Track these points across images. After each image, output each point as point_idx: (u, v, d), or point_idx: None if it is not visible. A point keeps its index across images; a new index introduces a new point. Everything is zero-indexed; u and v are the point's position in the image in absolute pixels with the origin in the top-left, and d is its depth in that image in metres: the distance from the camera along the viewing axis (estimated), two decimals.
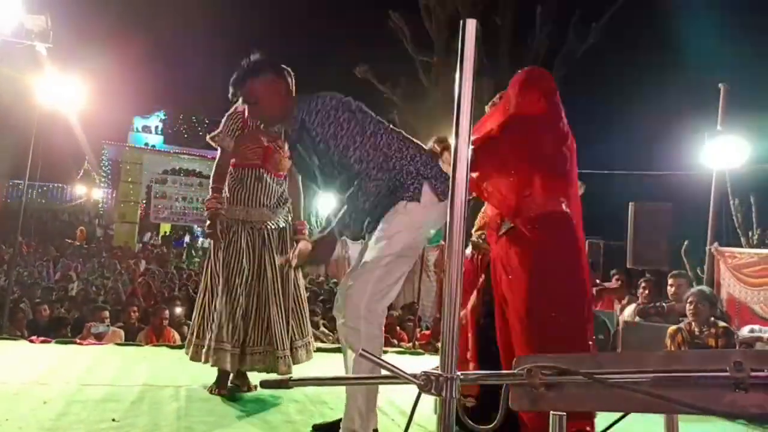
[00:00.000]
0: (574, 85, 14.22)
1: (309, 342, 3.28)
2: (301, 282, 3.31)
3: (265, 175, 3.20)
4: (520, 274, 2.47)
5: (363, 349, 1.18)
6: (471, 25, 1.15)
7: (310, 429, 2.62)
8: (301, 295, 3.27)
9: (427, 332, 7.78)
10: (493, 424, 1.07)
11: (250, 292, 3.11)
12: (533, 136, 2.54)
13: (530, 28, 14.54)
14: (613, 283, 6.98)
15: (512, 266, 2.51)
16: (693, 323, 4.11)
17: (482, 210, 3.17)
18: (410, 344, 6.50)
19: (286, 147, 2.95)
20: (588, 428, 2.39)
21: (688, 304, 4.15)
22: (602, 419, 2.73)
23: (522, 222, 2.50)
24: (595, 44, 14.13)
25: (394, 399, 3.09)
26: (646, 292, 5.85)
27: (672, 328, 4.26)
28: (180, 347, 4.67)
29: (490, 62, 13.45)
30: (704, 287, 4.92)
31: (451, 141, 1.21)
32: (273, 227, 3.22)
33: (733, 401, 0.88)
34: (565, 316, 2.39)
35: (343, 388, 3.16)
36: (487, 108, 3.06)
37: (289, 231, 3.28)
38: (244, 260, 3.11)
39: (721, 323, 4.12)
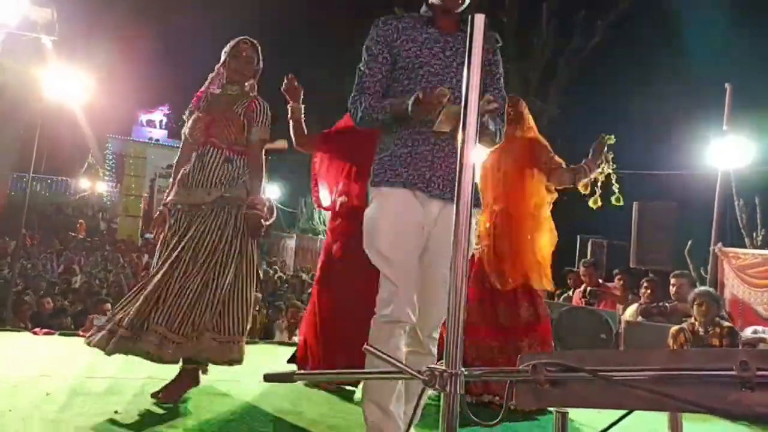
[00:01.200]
0: (579, 84, 14.20)
1: (232, 341, 2.87)
2: (249, 275, 2.95)
3: (209, 152, 2.95)
4: None
5: (368, 343, 1.19)
6: (479, 20, 1.14)
7: (316, 418, 2.63)
8: (241, 288, 2.90)
9: None
10: (496, 420, 1.07)
11: (168, 274, 2.83)
12: None
13: (536, 26, 14.51)
14: (616, 284, 6.97)
15: None
16: (697, 323, 4.11)
17: None
18: None
19: (261, 118, 2.95)
20: None
21: (696, 306, 4.13)
22: (606, 417, 2.73)
23: None
24: (601, 43, 14.10)
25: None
26: (648, 291, 5.83)
27: (674, 328, 4.24)
28: None
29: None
30: (709, 288, 4.91)
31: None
32: (211, 208, 2.91)
33: (739, 400, 0.88)
34: None
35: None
36: (525, 108, 3.41)
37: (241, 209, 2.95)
38: (173, 243, 2.89)
39: (726, 323, 4.11)
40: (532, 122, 3.44)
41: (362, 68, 2.14)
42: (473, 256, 3.21)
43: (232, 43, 3.03)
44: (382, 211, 2.06)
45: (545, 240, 3.29)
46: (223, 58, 3.03)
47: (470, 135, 1.15)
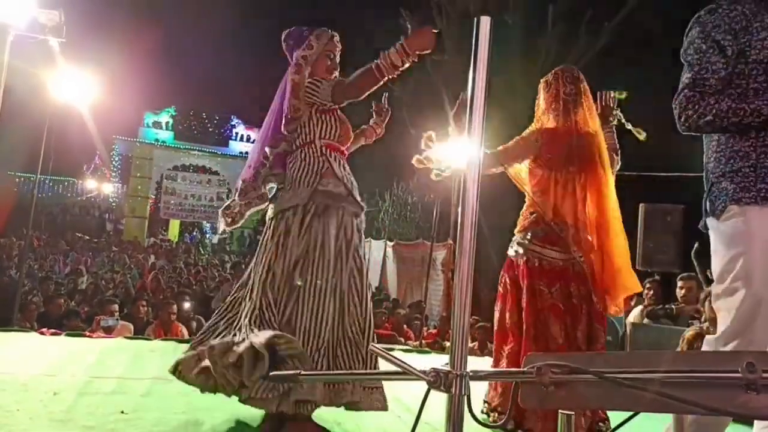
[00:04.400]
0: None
1: None
2: None
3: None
4: None
5: (372, 343, 1.19)
6: (485, 22, 1.15)
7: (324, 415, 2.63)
8: None
9: (434, 331, 7.78)
10: (502, 422, 1.07)
11: None
12: None
13: (541, 27, 14.48)
14: None
15: None
16: (707, 324, 4.02)
17: (525, 209, 2.95)
18: (417, 343, 6.50)
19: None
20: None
21: (708, 303, 3.95)
22: (612, 418, 2.73)
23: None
24: (607, 44, 14.05)
25: (401, 396, 3.09)
26: (651, 292, 5.81)
27: (690, 333, 4.03)
28: (188, 342, 4.71)
29: (499, 62, 13.40)
30: None
31: (463, 140, 1.21)
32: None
33: (745, 402, 0.88)
34: None
35: None
36: (540, 87, 2.98)
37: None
38: None
39: None
40: (593, 108, 2.93)
41: (699, 60, 1.82)
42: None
43: (324, 35, 2.73)
44: (754, 240, 1.74)
45: (620, 236, 2.81)
46: (313, 49, 2.69)
47: (476, 138, 1.15)
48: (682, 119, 1.85)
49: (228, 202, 2.85)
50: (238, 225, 2.86)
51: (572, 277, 2.74)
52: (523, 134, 2.95)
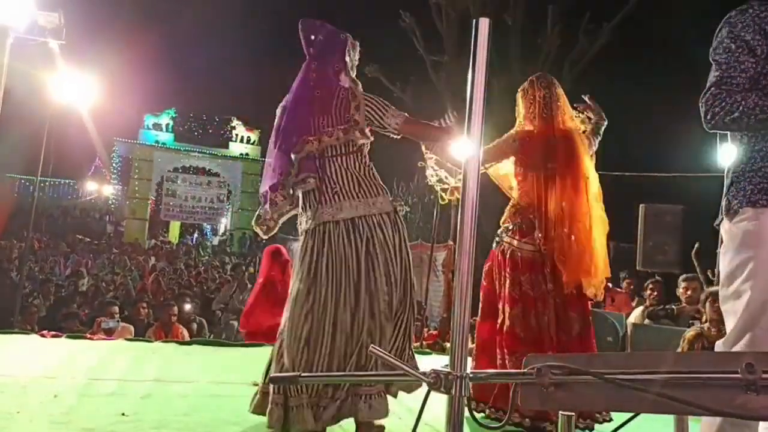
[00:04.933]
0: (584, 86, 14.13)
1: None
2: None
3: None
4: None
5: (373, 346, 1.19)
6: (484, 24, 1.15)
7: None
8: None
9: (435, 332, 7.77)
10: (501, 423, 1.06)
11: None
12: None
13: (541, 28, 14.49)
14: (624, 289, 6.93)
15: None
16: (708, 324, 4.00)
17: (509, 204, 3.15)
18: (417, 344, 6.50)
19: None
20: None
21: (710, 303, 3.95)
22: (613, 420, 2.73)
23: None
24: (607, 44, 14.05)
25: (401, 397, 3.08)
26: (654, 293, 5.81)
27: (690, 333, 4.05)
28: (188, 344, 4.71)
29: (500, 62, 13.41)
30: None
31: (463, 140, 1.21)
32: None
33: (745, 403, 0.88)
34: None
35: None
36: (518, 95, 3.19)
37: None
38: None
39: None
40: (569, 108, 3.13)
41: (727, 59, 1.81)
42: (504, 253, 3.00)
43: (357, 46, 2.76)
44: (765, 244, 1.73)
45: (601, 233, 3.00)
46: (351, 60, 2.72)
47: (476, 139, 1.15)
48: (709, 116, 1.83)
49: (258, 212, 2.70)
50: (274, 231, 2.74)
51: (544, 268, 2.91)
52: (503, 137, 3.13)
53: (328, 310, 2.40)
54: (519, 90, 3.18)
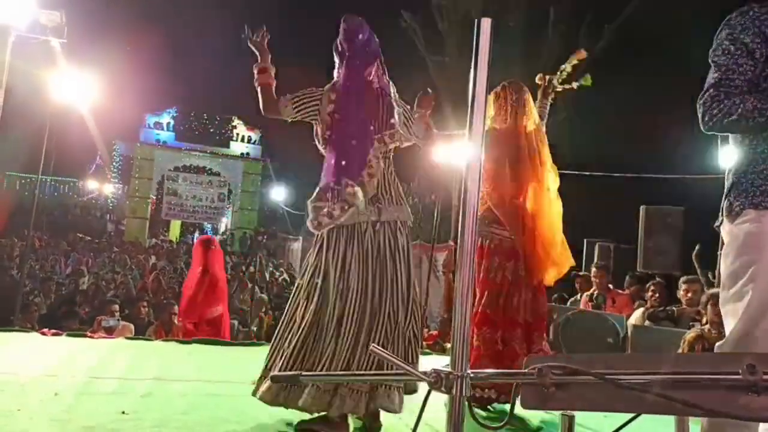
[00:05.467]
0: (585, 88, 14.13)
1: None
2: None
3: None
4: None
5: (374, 345, 1.19)
6: (486, 23, 1.15)
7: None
8: None
9: (435, 333, 7.76)
10: (503, 423, 1.07)
11: None
12: None
13: (542, 29, 14.49)
14: (627, 291, 6.93)
15: None
16: (708, 326, 4.00)
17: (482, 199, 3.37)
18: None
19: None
20: None
21: (711, 306, 3.95)
22: (613, 420, 2.72)
23: None
24: (608, 46, 14.05)
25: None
26: (656, 295, 5.80)
27: (691, 335, 4.04)
28: (189, 343, 4.71)
29: (501, 63, 13.41)
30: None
31: (464, 140, 1.22)
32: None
33: (746, 404, 0.88)
34: None
35: None
36: (491, 97, 3.39)
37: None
38: None
39: None
40: (535, 113, 3.44)
41: (726, 62, 1.81)
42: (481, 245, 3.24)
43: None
44: (767, 246, 1.73)
45: (558, 219, 3.31)
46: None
47: (477, 138, 1.15)
48: (706, 118, 1.83)
49: (338, 216, 2.53)
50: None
51: (516, 255, 3.21)
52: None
53: (357, 300, 2.47)
54: (492, 93, 3.40)
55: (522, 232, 3.21)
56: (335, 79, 2.70)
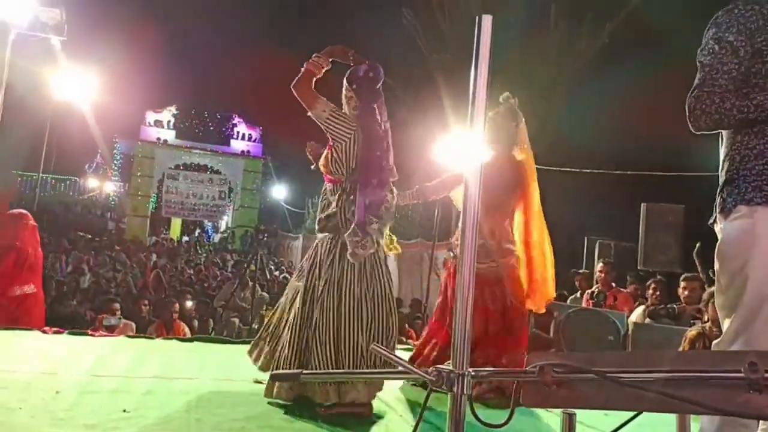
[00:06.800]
0: (586, 85, 14.14)
1: None
2: None
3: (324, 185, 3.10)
4: None
5: (374, 344, 1.19)
6: (487, 21, 1.15)
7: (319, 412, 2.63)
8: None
9: None
10: (504, 421, 1.07)
11: None
12: None
13: (543, 26, 14.47)
14: (629, 290, 6.93)
15: None
16: (709, 324, 4.00)
17: None
18: (418, 342, 6.50)
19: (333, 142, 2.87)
20: None
21: (711, 305, 3.95)
22: (614, 418, 2.72)
23: None
24: (608, 43, 14.04)
25: (402, 395, 3.09)
26: (657, 293, 5.80)
27: (692, 332, 4.05)
28: (190, 340, 4.71)
29: (502, 60, 13.39)
30: None
31: (465, 138, 1.21)
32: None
33: (747, 402, 0.88)
34: None
35: None
36: (491, 114, 3.40)
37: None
38: None
39: None
40: (527, 144, 3.46)
41: (711, 61, 1.82)
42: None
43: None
44: (760, 242, 1.73)
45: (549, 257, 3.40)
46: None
47: (477, 137, 1.15)
48: (692, 119, 1.85)
49: (370, 248, 2.81)
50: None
51: (489, 282, 3.27)
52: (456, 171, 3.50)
53: (355, 299, 2.71)
54: (489, 114, 3.42)
55: (501, 256, 3.30)
56: (356, 112, 2.91)
